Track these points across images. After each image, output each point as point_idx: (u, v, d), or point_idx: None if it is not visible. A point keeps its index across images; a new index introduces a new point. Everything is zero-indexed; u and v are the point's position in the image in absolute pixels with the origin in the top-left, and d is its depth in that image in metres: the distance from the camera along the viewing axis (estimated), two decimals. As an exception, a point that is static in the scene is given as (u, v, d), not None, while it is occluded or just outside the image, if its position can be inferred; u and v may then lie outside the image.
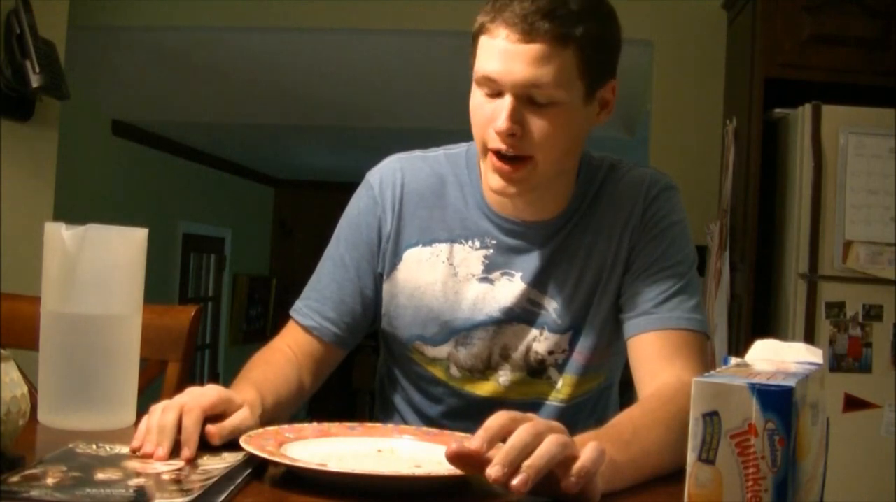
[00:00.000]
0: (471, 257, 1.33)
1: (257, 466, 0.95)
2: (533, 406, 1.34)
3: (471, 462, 0.85)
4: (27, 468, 0.89)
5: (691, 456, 0.73)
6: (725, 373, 0.78)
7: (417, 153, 1.40)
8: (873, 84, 3.15)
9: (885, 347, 2.93)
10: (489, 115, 1.20)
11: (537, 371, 1.35)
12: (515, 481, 0.81)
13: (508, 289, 1.32)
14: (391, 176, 1.37)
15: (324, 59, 4.53)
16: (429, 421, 1.40)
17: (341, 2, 4.02)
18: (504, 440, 0.85)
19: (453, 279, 1.33)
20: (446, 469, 0.87)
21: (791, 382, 0.72)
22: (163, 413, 1.01)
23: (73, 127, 4.01)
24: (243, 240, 8.08)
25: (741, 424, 0.71)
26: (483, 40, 1.19)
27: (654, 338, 1.24)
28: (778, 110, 3.17)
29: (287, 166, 8.21)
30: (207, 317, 7.39)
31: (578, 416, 1.37)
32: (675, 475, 0.95)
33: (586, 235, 1.32)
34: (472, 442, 0.84)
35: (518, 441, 0.84)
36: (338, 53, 4.45)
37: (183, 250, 6.69)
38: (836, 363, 2.91)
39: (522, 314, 1.33)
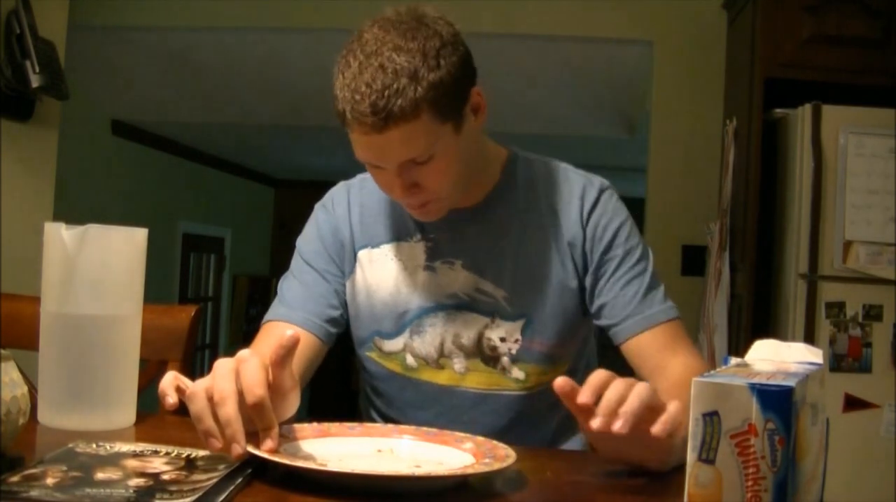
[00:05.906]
0: (415, 249, 1.39)
1: (257, 466, 0.95)
2: (490, 396, 1.39)
3: (573, 404, 0.96)
4: (27, 468, 0.89)
5: (691, 456, 0.73)
6: (725, 373, 0.78)
7: (360, 175, 1.46)
8: (873, 84, 3.14)
9: (885, 347, 2.92)
10: (382, 183, 1.28)
11: (491, 358, 1.39)
12: (616, 425, 0.92)
13: (451, 275, 1.38)
14: (340, 195, 1.46)
15: (324, 59, 4.51)
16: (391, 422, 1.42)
17: (341, 2, 4.01)
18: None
19: (403, 272, 1.39)
20: (446, 469, 0.87)
21: (791, 382, 0.72)
22: (226, 404, 0.95)
23: (73, 127, 4.00)
24: (243, 240, 8.07)
25: (741, 424, 0.71)
26: (348, 129, 1.20)
27: (648, 337, 1.33)
28: (778, 110, 3.17)
29: (287, 166, 8.20)
30: (207, 317, 7.38)
31: (541, 404, 1.41)
32: (675, 475, 0.95)
33: (516, 217, 1.38)
34: (581, 395, 0.95)
35: (613, 393, 0.95)
36: (338, 54, 4.44)
37: (183, 250, 6.69)
38: (836, 363, 2.91)
39: (472, 303, 1.38)
